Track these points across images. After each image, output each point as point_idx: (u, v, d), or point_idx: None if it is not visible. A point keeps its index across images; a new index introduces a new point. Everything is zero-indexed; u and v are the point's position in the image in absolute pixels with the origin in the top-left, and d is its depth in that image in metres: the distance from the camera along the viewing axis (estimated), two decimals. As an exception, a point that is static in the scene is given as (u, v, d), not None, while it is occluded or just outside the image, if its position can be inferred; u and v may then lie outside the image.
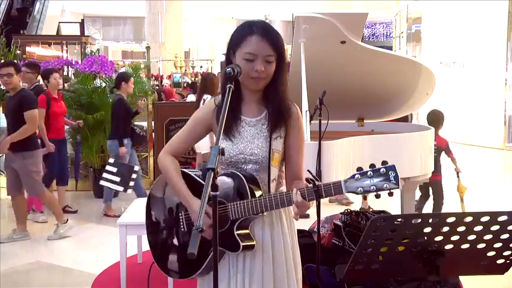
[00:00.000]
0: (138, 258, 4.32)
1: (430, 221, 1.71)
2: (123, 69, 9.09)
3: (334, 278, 3.57)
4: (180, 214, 2.06)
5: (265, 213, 1.91)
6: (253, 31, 1.89)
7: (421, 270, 1.82)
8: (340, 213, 4.09)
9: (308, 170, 1.94)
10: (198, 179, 2.03)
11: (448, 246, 1.77)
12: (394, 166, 1.71)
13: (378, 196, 1.74)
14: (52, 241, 5.19)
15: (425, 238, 1.75)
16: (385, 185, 1.70)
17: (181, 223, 2.05)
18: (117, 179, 5.32)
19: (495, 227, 1.73)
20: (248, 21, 1.94)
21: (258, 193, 1.90)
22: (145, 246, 4.48)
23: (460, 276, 3.57)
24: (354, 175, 1.74)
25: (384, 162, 1.73)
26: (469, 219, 1.70)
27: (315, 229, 3.80)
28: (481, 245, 1.78)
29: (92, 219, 6.00)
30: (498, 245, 1.79)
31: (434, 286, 1.81)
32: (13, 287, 4.10)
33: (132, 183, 5.39)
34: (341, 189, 1.75)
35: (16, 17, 15.99)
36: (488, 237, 1.76)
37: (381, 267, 1.86)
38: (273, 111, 1.96)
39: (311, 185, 1.80)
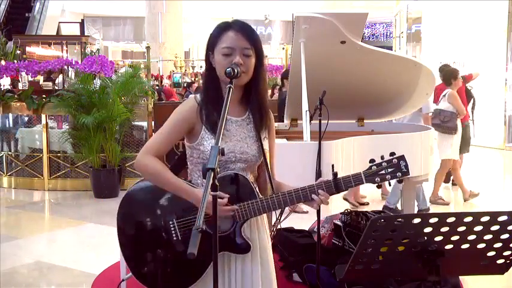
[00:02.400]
0: (138, 258, 4.32)
1: (430, 221, 1.71)
2: (122, 69, 9.08)
3: (334, 278, 3.57)
4: (171, 222, 1.94)
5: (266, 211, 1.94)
6: (229, 27, 1.92)
7: (421, 270, 1.82)
8: (340, 213, 4.09)
9: (332, 165, 2.15)
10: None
11: (448, 246, 1.76)
12: (403, 156, 1.91)
13: (390, 184, 1.99)
14: (52, 241, 5.18)
15: (425, 238, 1.75)
16: (398, 174, 1.90)
17: (174, 232, 1.94)
18: None
19: (495, 227, 1.73)
20: (224, 21, 1.96)
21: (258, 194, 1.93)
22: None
23: (460, 276, 3.57)
24: (370, 167, 1.91)
25: (392, 154, 1.91)
26: (469, 219, 1.70)
27: (315, 229, 3.81)
28: (481, 245, 1.78)
29: (92, 219, 6.00)
30: (498, 245, 1.79)
31: (434, 286, 1.80)
32: (13, 287, 4.10)
33: None
34: (361, 180, 1.90)
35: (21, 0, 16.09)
36: (488, 237, 1.75)
37: (381, 267, 1.86)
38: (256, 110, 1.98)
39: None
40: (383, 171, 1.90)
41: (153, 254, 1.98)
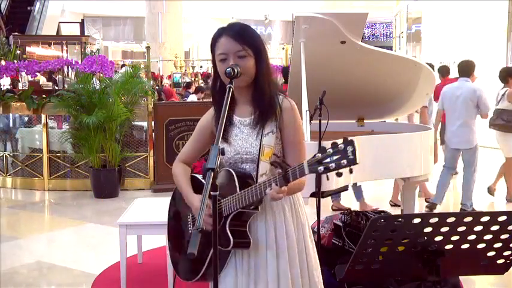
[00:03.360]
0: (138, 258, 4.32)
1: (430, 221, 1.71)
2: (123, 70, 9.08)
3: (334, 278, 3.57)
4: (189, 216, 2.12)
5: (258, 209, 1.90)
6: (221, 33, 1.96)
7: (421, 270, 1.82)
8: (340, 213, 4.09)
9: (274, 154, 1.94)
10: (204, 181, 2.03)
11: (448, 246, 1.77)
12: (352, 141, 1.61)
13: (339, 174, 1.66)
14: (52, 241, 5.17)
15: (425, 238, 1.75)
16: (343, 161, 1.61)
17: (189, 225, 2.12)
18: None
19: (495, 227, 1.73)
20: (220, 27, 2.00)
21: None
22: (146, 246, 4.48)
23: (460, 276, 3.57)
24: (315, 155, 1.68)
25: (345, 140, 1.63)
26: (469, 219, 1.71)
27: (315, 229, 3.80)
28: (481, 245, 1.78)
29: (92, 219, 6.00)
30: (498, 245, 1.79)
31: (434, 286, 1.81)
32: (13, 287, 4.10)
33: None
34: (303, 170, 1.70)
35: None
36: (488, 237, 1.76)
37: (381, 267, 1.86)
38: (261, 107, 1.98)
39: (278, 169, 1.77)
40: (327, 159, 1.64)
41: (178, 244, 2.19)
